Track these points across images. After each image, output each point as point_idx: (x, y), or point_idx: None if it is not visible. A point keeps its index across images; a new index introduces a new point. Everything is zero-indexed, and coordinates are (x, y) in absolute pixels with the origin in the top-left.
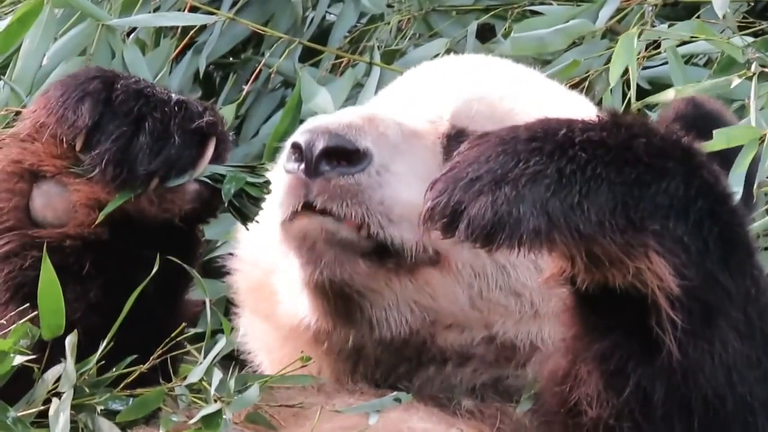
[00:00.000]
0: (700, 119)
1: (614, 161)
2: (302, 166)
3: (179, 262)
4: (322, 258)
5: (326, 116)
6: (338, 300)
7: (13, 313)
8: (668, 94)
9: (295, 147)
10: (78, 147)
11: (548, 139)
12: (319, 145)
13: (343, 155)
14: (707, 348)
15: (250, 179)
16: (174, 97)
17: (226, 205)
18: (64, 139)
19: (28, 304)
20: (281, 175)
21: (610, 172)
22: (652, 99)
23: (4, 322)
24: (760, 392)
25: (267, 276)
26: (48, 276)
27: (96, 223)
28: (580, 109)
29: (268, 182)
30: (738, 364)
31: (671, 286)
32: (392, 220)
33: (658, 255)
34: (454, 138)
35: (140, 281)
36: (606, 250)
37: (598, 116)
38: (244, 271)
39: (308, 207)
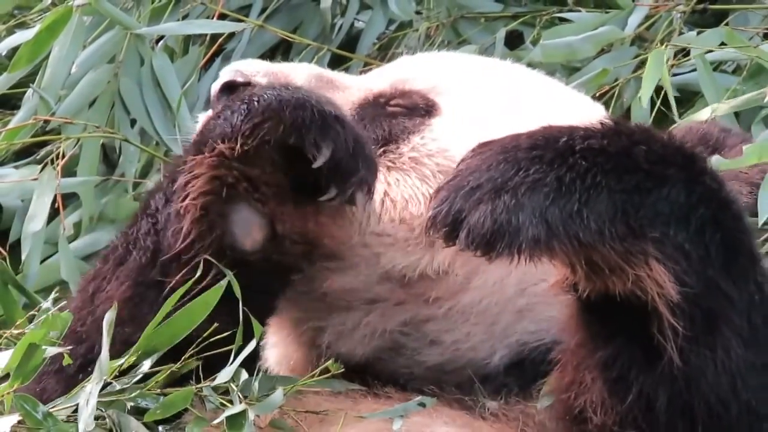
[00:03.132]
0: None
1: (614, 169)
2: None
3: (217, 263)
4: None
5: None
6: None
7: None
8: (704, 113)
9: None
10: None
11: (549, 147)
12: (220, 82)
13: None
14: (710, 354)
15: None
16: None
17: None
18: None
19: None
20: None
21: (609, 179)
22: (689, 118)
23: None
24: (765, 398)
25: None
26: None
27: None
28: (542, 95)
29: None
30: (742, 370)
31: (671, 293)
32: None
33: (657, 262)
34: (388, 97)
35: None
36: (605, 257)
37: (600, 123)
38: None
39: None
